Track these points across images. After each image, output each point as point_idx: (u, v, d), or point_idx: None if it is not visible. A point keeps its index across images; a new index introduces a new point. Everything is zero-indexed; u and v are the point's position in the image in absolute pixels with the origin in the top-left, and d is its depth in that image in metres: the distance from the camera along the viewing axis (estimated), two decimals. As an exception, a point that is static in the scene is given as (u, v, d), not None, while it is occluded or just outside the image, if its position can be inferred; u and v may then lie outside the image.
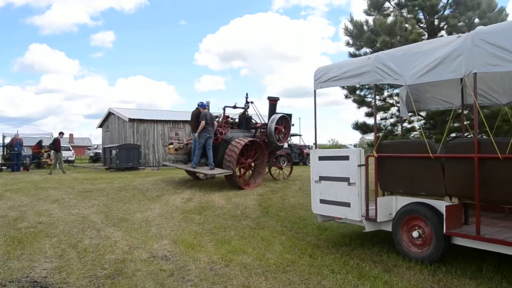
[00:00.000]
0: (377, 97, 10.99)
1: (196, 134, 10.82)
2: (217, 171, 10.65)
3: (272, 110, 12.28)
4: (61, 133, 18.21)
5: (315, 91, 6.49)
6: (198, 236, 6.83)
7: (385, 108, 10.70)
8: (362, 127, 11.01)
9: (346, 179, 5.68)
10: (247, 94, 12.40)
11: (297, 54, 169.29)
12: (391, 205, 5.53)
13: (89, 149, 35.49)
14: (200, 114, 10.90)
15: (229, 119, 12.14)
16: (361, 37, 10.36)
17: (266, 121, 12.33)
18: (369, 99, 11.01)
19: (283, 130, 12.14)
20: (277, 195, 11.12)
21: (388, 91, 10.79)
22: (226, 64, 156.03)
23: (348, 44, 11.06)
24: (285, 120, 12.27)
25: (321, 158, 6.17)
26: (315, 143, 6.46)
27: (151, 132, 23.07)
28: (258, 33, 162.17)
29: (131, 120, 22.18)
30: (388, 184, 5.56)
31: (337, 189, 5.84)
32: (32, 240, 6.15)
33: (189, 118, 25.41)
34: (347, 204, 5.67)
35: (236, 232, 7.30)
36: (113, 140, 24.81)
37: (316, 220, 8.73)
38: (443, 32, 10.55)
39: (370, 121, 11.03)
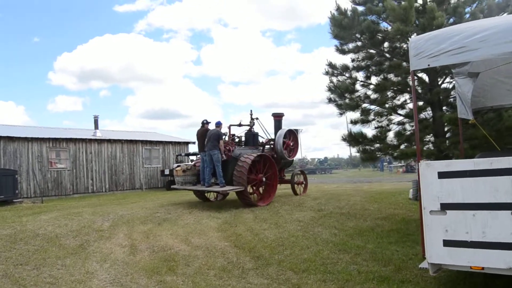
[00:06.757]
0: (368, 103, 9.12)
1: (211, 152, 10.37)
2: (228, 188, 10.18)
3: (278, 126, 12.02)
4: None
5: (413, 71, 4.23)
6: (230, 325, 3.81)
7: (381, 114, 8.89)
8: (356, 138, 8.95)
9: (509, 206, 3.52)
10: (251, 111, 12.46)
11: (160, 76, 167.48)
12: None
13: None
14: (207, 132, 10.55)
15: (235, 137, 11.86)
16: (353, 28, 8.52)
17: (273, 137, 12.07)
18: (364, 104, 9.07)
19: (291, 144, 11.78)
20: (239, 228, 8.54)
21: (384, 95, 8.94)
22: (84, 84, 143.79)
23: (336, 36, 9.13)
24: (293, 134, 11.93)
25: (444, 175, 3.89)
26: (418, 154, 4.12)
27: (24, 154, 17.67)
28: (120, 53, 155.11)
29: (-4, 137, 16.49)
30: None
31: (487, 223, 3.64)
32: None
33: (73, 136, 21.03)
34: (514, 247, 3.49)
35: (274, 303, 4.46)
36: (-35, 164, 18.24)
37: (344, 265, 6.02)
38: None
39: (366, 130, 9.13)
